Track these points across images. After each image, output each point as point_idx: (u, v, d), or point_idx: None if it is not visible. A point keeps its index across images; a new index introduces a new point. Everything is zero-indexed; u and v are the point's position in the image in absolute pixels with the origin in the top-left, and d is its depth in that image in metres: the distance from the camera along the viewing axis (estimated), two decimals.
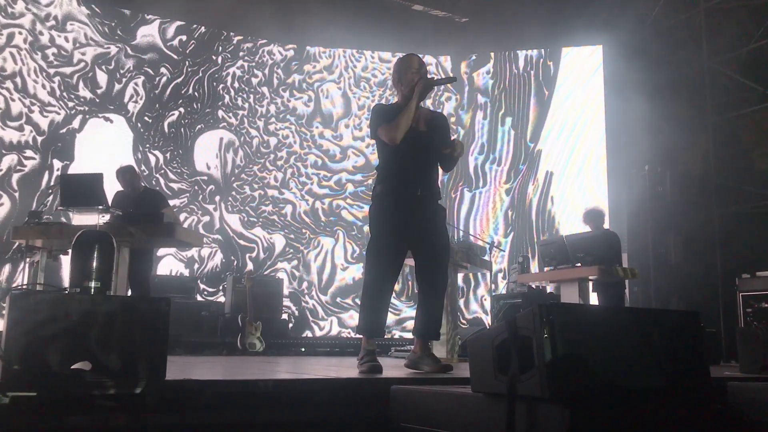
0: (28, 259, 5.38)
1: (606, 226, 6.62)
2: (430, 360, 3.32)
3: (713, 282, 7.71)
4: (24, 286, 4.67)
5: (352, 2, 8.88)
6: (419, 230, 3.42)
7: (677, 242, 8.29)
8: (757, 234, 7.37)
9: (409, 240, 3.44)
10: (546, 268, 6.38)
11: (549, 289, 7.47)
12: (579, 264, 5.91)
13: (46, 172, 8.32)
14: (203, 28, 9.62)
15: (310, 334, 9.35)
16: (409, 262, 3.67)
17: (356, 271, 9.79)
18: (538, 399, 1.59)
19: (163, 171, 9.06)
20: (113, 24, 9.03)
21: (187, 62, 9.43)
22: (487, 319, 8.84)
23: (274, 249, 9.60)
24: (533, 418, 1.60)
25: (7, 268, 7.73)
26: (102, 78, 8.85)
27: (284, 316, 8.50)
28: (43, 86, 8.46)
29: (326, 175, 10.09)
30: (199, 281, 8.81)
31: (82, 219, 4.94)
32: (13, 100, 8.25)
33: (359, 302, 3.61)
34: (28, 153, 8.26)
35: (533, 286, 7.29)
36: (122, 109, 8.93)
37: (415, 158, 3.43)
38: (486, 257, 6.87)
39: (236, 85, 9.76)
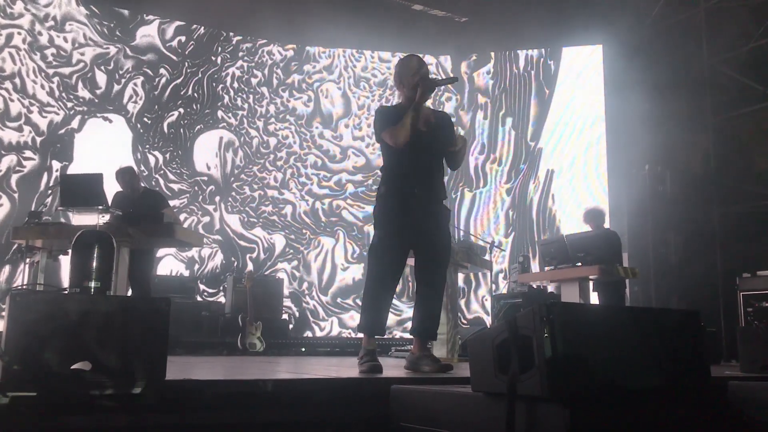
0: (28, 260, 5.39)
1: (606, 225, 6.63)
2: (429, 360, 3.32)
3: (714, 281, 7.71)
4: (24, 287, 4.67)
5: (352, 2, 8.88)
6: (421, 230, 3.42)
7: (678, 241, 8.29)
8: (757, 233, 7.37)
9: (412, 240, 3.45)
10: (546, 268, 6.38)
11: (550, 288, 7.47)
12: (579, 263, 5.91)
13: (45, 173, 8.31)
14: (202, 28, 9.61)
15: (310, 335, 9.35)
16: (410, 262, 3.67)
17: (357, 272, 9.79)
18: (538, 399, 1.59)
19: (162, 171, 9.06)
20: (112, 25, 9.03)
21: (186, 63, 9.43)
22: (489, 320, 8.84)
23: (275, 249, 9.60)
24: (533, 418, 1.60)
25: (7, 268, 7.73)
26: (101, 78, 8.85)
27: (285, 317, 8.50)
28: (42, 86, 8.46)
29: (326, 176, 10.08)
30: (199, 282, 8.82)
31: (82, 219, 4.95)
32: (12, 100, 8.25)
33: (360, 302, 3.61)
34: (28, 153, 8.25)
35: (534, 285, 7.28)
36: (121, 110, 8.93)
37: (418, 159, 3.43)
38: (486, 257, 6.87)
39: (236, 85, 9.76)
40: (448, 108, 10.18)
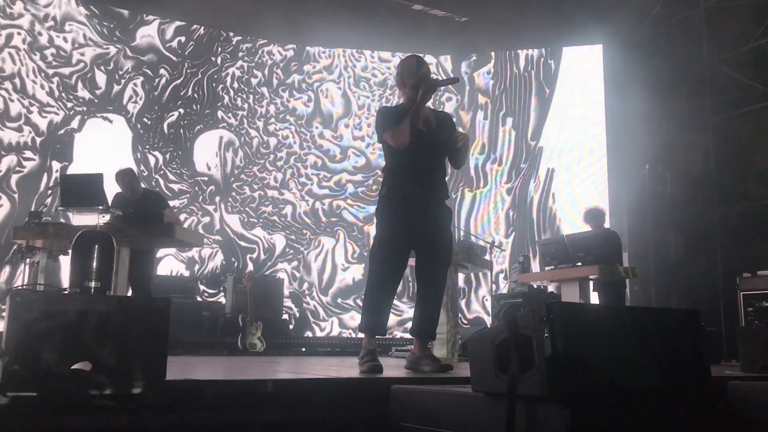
0: (28, 260, 5.38)
1: (606, 225, 6.63)
2: (429, 360, 3.32)
3: (714, 281, 7.71)
4: (24, 287, 4.67)
5: (352, 2, 8.87)
6: (422, 230, 3.44)
7: (678, 241, 8.29)
8: (757, 233, 7.37)
9: (413, 240, 3.46)
10: (547, 268, 6.38)
11: (550, 288, 7.47)
12: (579, 263, 5.91)
13: (45, 174, 8.31)
14: (202, 29, 9.61)
15: (310, 335, 9.35)
16: (411, 262, 3.68)
17: (357, 272, 9.79)
18: (538, 399, 1.59)
19: (162, 172, 9.06)
20: (112, 25, 9.03)
21: (186, 63, 9.43)
22: (489, 320, 8.84)
23: (275, 250, 9.60)
24: (533, 418, 1.60)
25: (7, 269, 7.73)
26: (101, 78, 8.85)
27: (285, 317, 8.50)
28: (42, 87, 8.46)
29: (326, 176, 10.08)
30: (199, 283, 8.82)
31: (82, 219, 4.95)
32: (12, 100, 8.25)
33: (361, 302, 3.62)
34: (28, 154, 8.25)
35: (534, 285, 7.29)
36: (121, 110, 8.93)
37: (420, 159, 3.45)
38: (487, 257, 6.87)
39: (236, 85, 9.76)
40: (449, 108, 10.18)
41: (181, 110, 9.33)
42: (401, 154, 3.42)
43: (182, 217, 8.72)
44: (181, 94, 9.35)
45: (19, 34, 8.40)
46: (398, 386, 2.20)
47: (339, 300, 9.70)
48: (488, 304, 9.25)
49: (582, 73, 9.97)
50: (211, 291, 9.00)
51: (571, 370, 1.59)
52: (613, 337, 1.75)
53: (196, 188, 9.25)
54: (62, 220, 6.18)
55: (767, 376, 3.45)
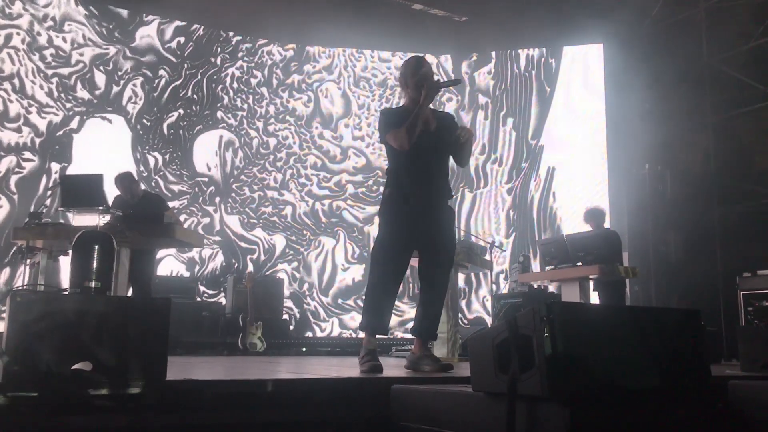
0: (28, 261, 5.38)
1: (606, 225, 6.63)
2: (429, 360, 3.33)
3: (714, 281, 7.70)
4: (24, 287, 4.67)
5: (352, 2, 8.87)
6: (425, 231, 3.44)
7: (678, 241, 8.29)
8: (757, 233, 7.37)
9: (415, 241, 3.47)
10: (547, 268, 6.38)
11: (550, 288, 7.47)
12: (580, 263, 5.91)
13: (44, 175, 8.31)
14: (202, 29, 9.61)
15: (310, 335, 9.35)
16: (413, 262, 3.68)
17: (357, 272, 9.79)
18: (538, 398, 1.59)
19: (162, 172, 9.06)
20: (111, 26, 9.02)
21: (186, 63, 9.43)
22: (489, 319, 8.84)
23: (275, 250, 9.60)
24: (533, 418, 1.60)
25: (7, 269, 7.73)
26: (100, 79, 8.84)
27: (285, 317, 8.50)
28: (41, 87, 8.46)
29: (326, 176, 10.08)
30: (199, 283, 8.82)
31: (82, 220, 4.95)
32: (11, 101, 8.24)
33: (362, 302, 3.62)
34: (27, 155, 8.25)
35: (534, 285, 7.29)
36: (121, 111, 8.92)
37: (422, 160, 3.45)
38: (487, 257, 6.87)
39: (235, 85, 9.76)
40: (449, 108, 10.17)
41: (181, 111, 9.32)
42: (403, 155, 3.43)
43: (182, 217, 8.72)
44: (181, 94, 9.35)
45: (18, 34, 8.40)
46: (398, 386, 2.20)
47: (339, 300, 9.70)
48: (488, 304, 9.25)
49: (582, 73, 9.97)
50: (211, 291, 9.00)
51: (571, 369, 1.59)
52: (613, 336, 1.75)
53: (196, 189, 9.24)
54: (62, 221, 6.18)
55: (767, 375, 3.45)
